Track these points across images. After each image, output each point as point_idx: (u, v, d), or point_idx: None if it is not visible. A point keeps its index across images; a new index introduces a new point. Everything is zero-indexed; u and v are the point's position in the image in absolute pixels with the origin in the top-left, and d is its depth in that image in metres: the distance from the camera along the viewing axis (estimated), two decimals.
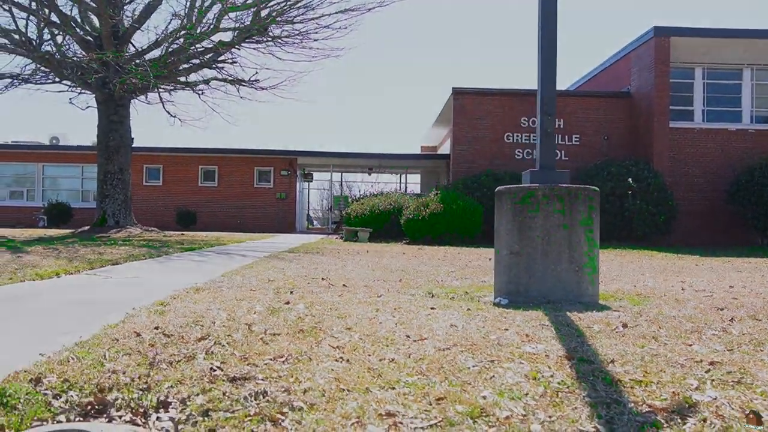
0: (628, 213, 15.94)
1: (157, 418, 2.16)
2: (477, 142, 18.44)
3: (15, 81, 15.44)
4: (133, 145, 16.51)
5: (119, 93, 15.05)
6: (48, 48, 14.11)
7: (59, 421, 2.17)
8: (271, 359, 2.81)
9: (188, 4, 15.58)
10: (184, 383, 2.49)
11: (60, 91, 16.43)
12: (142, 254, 9.08)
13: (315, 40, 16.16)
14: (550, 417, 2.06)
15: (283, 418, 2.05)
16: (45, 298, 4.79)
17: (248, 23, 15.11)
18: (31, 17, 13.84)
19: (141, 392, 2.39)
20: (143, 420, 2.14)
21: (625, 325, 3.69)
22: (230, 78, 16.52)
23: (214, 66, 16.16)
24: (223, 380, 2.50)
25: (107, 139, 15.54)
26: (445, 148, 25.22)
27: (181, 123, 17.18)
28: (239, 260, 8.75)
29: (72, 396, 2.37)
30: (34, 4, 13.77)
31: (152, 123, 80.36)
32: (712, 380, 2.49)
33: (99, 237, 13.75)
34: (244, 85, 16.95)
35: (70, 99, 15.84)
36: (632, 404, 2.19)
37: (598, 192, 5.24)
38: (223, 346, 3.08)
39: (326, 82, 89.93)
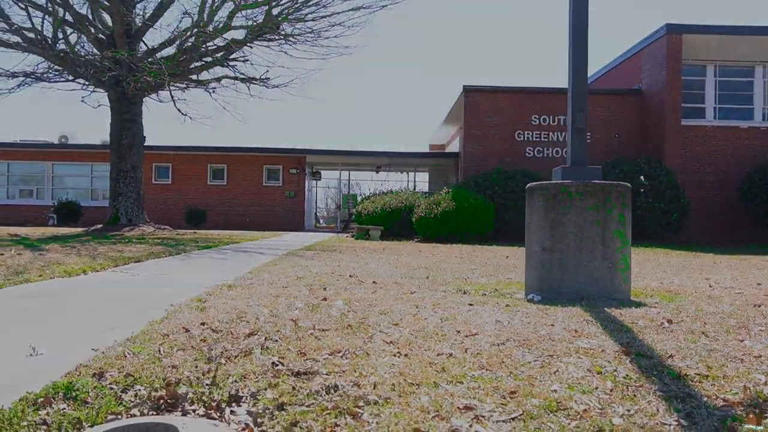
0: (640, 211, 15.90)
1: (231, 412, 2.16)
2: (487, 140, 18.42)
3: (28, 79, 15.47)
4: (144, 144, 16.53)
5: (132, 91, 15.07)
6: (62, 46, 14.11)
7: (133, 415, 2.17)
8: (329, 354, 2.81)
9: (200, 1, 15.60)
10: (249, 378, 2.50)
11: (72, 90, 16.47)
12: (161, 252, 9.09)
13: (326, 38, 16.17)
14: (628, 411, 2.06)
15: (361, 411, 2.05)
16: (81, 295, 4.80)
17: (261, 21, 15.11)
18: (47, 17, 13.86)
19: (208, 387, 2.40)
20: (218, 414, 2.14)
21: (669, 321, 3.68)
22: (242, 76, 16.51)
23: (226, 64, 16.16)
24: (287, 375, 2.50)
25: (120, 137, 15.56)
26: (454, 147, 25.21)
27: (192, 121, 17.17)
28: (259, 258, 8.76)
29: (140, 390, 2.38)
30: (49, 4, 13.78)
31: (160, 122, 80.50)
32: None
33: (113, 235, 13.77)
34: (254, 83, 16.94)
35: (83, 98, 15.88)
36: (706, 398, 2.19)
37: (630, 188, 5.23)
38: (276, 341, 3.09)
39: (334, 80, 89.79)
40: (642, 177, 15.97)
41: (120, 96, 15.29)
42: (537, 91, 18.66)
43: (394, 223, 17.46)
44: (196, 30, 14.80)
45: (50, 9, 13.64)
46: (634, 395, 2.22)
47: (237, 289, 5.07)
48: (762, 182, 16.20)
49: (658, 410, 2.07)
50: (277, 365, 2.62)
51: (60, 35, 14.29)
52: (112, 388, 2.42)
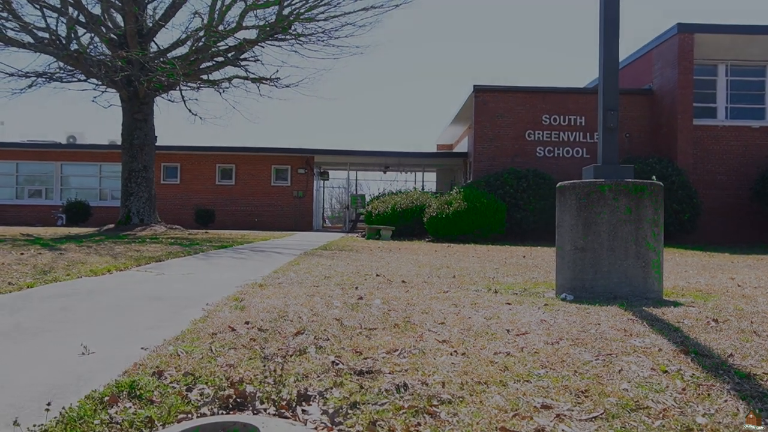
0: None
1: (303, 411, 2.14)
2: (498, 140, 18.37)
3: (39, 79, 15.48)
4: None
5: (144, 91, 15.07)
6: (75, 47, 14.12)
7: (203, 414, 2.15)
8: (385, 353, 2.79)
9: (210, 2, 15.60)
10: (310, 377, 2.48)
11: (83, 90, 16.46)
12: (179, 252, 9.08)
13: (337, 38, 16.15)
14: (708, 410, 2.03)
15: (437, 410, 2.03)
16: (113, 294, 4.79)
17: (272, 21, 15.10)
18: (61, 17, 13.86)
19: (272, 386, 2.38)
20: (291, 413, 2.12)
21: (715, 321, 3.65)
22: (253, 76, 16.50)
23: (237, 63, 16.15)
24: (350, 374, 2.48)
25: (132, 137, 15.56)
26: (462, 147, 25.17)
27: (202, 121, 17.17)
28: (278, 257, 8.74)
29: (204, 389, 2.36)
30: (62, 4, 13.78)
31: (168, 122, 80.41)
32: None
33: (126, 235, 13.77)
34: (265, 83, 16.94)
35: (94, 98, 15.90)
36: None
37: (663, 187, 5.21)
38: (327, 340, 3.07)
39: (342, 80, 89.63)
40: (654, 177, 15.90)
41: (132, 96, 15.29)
42: (548, 90, 18.61)
43: (405, 223, 17.43)
44: (207, 30, 14.79)
45: (64, 9, 13.64)
46: (708, 394, 2.19)
47: (269, 288, 5.05)
48: None
49: (738, 410, 2.04)
50: (337, 364, 2.60)
51: (73, 35, 14.29)
52: (174, 387, 2.40)
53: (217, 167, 24.29)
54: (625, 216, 4.97)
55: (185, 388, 2.38)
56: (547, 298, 4.85)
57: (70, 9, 13.79)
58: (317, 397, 2.24)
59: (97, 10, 14.79)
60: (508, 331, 3.26)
